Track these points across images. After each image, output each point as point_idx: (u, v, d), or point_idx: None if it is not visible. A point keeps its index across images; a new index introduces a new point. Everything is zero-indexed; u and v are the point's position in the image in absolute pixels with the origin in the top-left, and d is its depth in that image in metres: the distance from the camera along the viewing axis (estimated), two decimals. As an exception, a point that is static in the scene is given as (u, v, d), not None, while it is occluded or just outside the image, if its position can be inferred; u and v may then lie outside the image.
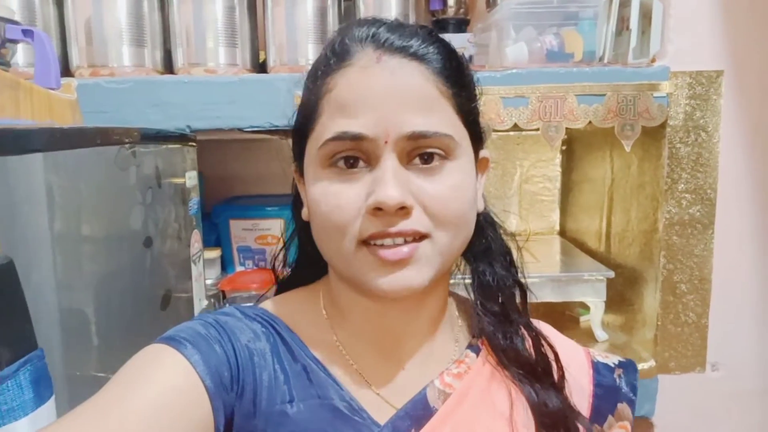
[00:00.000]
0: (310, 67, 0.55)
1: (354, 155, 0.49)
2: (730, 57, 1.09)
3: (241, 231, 1.40)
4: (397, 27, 0.52)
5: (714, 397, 1.15)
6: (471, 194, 0.52)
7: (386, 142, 0.48)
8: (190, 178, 0.92)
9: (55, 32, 1.15)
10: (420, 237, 0.48)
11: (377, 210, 0.47)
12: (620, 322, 1.32)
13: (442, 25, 1.46)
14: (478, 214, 0.56)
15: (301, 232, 0.61)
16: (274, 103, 1.08)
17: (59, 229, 0.56)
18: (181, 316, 0.86)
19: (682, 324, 1.14)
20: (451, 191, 0.49)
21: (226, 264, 1.41)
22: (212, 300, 1.15)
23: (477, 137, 0.55)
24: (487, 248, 0.60)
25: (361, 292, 0.52)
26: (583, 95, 1.08)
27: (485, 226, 0.60)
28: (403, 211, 0.47)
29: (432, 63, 0.50)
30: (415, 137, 0.48)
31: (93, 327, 0.64)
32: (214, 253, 1.35)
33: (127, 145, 0.69)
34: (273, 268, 0.64)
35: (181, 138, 0.90)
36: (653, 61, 1.11)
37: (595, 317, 1.26)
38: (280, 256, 0.64)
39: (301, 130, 0.53)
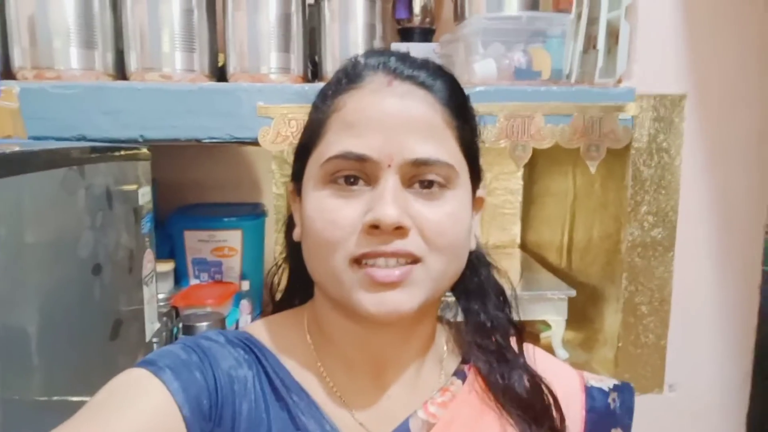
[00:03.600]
0: (321, 88, 0.56)
1: (355, 174, 0.49)
2: (693, 80, 1.10)
3: (197, 242, 1.34)
4: (408, 57, 0.54)
5: (670, 417, 1.16)
6: (466, 225, 0.52)
7: (389, 166, 0.48)
8: (144, 195, 0.86)
9: (-4, 30, 1.07)
10: (413, 260, 0.48)
11: (373, 228, 0.47)
12: (580, 340, 1.32)
13: (407, 34, 1.44)
14: (471, 253, 0.56)
15: (294, 255, 0.60)
16: (235, 114, 1.03)
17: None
18: (132, 345, 0.80)
19: (642, 345, 1.15)
20: (447, 218, 0.50)
21: (180, 277, 1.34)
22: (164, 319, 1.09)
23: (475, 174, 0.56)
24: (479, 287, 0.59)
25: (348, 315, 0.52)
26: (551, 115, 1.07)
27: (478, 265, 0.60)
28: (400, 231, 0.48)
29: (439, 93, 0.52)
30: (418, 164, 0.49)
31: (33, 362, 0.59)
32: (168, 266, 1.29)
33: (75, 166, 0.63)
34: (270, 290, 0.64)
35: (133, 151, 0.84)
36: (619, 81, 1.11)
37: (556, 335, 1.26)
38: (276, 279, 0.64)
39: (305, 148, 0.54)
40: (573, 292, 1.23)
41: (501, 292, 0.61)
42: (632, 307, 1.14)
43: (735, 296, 1.16)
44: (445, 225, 0.49)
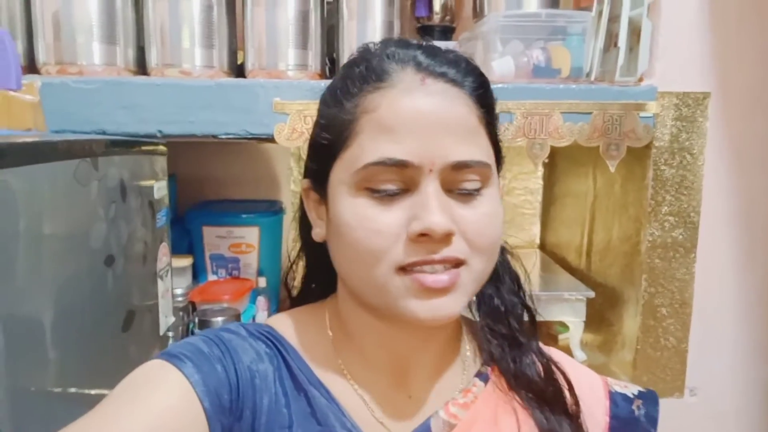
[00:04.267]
0: (335, 82, 0.53)
1: (395, 180, 0.47)
2: (717, 79, 1.08)
3: (215, 238, 1.35)
4: (436, 51, 0.51)
5: (690, 422, 1.14)
6: (501, 220, 0.52)
7: (431, 171, 0.47)
8: (159, 189, 0.87)
9: (21, 25, 1.09)
10: (458, 263, 0.48)
11: (421, 236, 0.46)
12: (599, 342, 1.30)
13: (427, 32, 1.43)
14: None
15: (309, 251, 0.60)
16: (252, 110, 1.03)
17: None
18: (145, 337, 0.81)
19: (662, 348, 1.12)
20: (487, 218, 0.49)
21: (197, 272, 1.36)
22: (181, 314, 1.11)
23: (499, 163, 0.55)
24: (494, 271, 0.58)
25: (381, 317, 0.51)
26: (569, 113, 1.06)
27: None
28: (447, 237, 0.47)
29: (471, 91, 0.50)
30: (459, 167, 0.48)
31: (47, 353, 0.59)
32: (186, 261, 1.30)
33: (89, 158, 0.64)
34: (286, 285, 0.63)
35: (150, 146, 0.85)
36: (641, 80, 1.09)
37: (574, 337, 1.24)
38: (292, 273, 0.63)
39: (329, 148, 0.51)
40: (591, 294, 1.21)
41: (515, 276, 0.61)
42: (652, 309, 1.12)
43: (758, 299, 1.13)
44: (486, 226, 0.49)
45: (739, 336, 1.13)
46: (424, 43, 0.52)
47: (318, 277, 0.60)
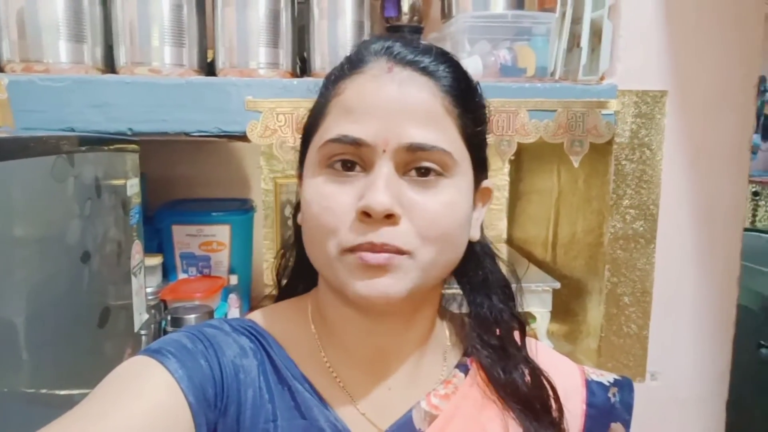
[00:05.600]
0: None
1: (351, 159, 0.49)
2: (675, 78, 1.13)
3: (185, 237, 1.35)
4: (411, 42, 0.53)
5: (652, 405, 1.19)
6: (462, 215, 0.52)
7: (384, 151, 0.48)
8: (132, 186, 0.87)
9: (-15, 23, 1.07)
10: (400, 253, 0.48)
11: (365, 215, 0.47)
12: (564, 332, 1.35)
13: (396, 32, 1.45)
14: (476, 243, 0.56)
15: (299, 239, 0.60)
16: (224, 108, 1.04)
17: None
18: (120, 334, 0.81)
19: (624, 335, 1.17)
20: (442, 207, 0.49)
21: (168, 271, 1.35)
22: (153, 312, 1.10)
23: (480, 164, 0.56)
24: (484, 279, 0.59)
25: (345, 301, 0.52)
26: (535, 111, 1.09)
27: (483, 257, 0.59)
28: (391, 219, 0.47)
29: (441, 80, 0.51)
30: (414, 149, 0.48)
31: (22, 348, 0.59)
32: (156, 260, 1.29)
33: (65, 154, 0.64)
34: (277, 277, 0.64)
35: (123, 143, 0.85)
36: (602, 78, 1.14)
37: (541, 327, 1.28)
38: (282, 263, 0.64)
39: (307, 133, 0.55)
40: (557, 285, 1.25)
41: (506, 285, 0.61)
42: (615, 298, 1.16)
43: (715, 288, 1.18)
44: (439, 215, 0.49)
45: (697, 322, 1.18)
46: (403, 38, 0.54)
47: (304, 269, 0.60)
